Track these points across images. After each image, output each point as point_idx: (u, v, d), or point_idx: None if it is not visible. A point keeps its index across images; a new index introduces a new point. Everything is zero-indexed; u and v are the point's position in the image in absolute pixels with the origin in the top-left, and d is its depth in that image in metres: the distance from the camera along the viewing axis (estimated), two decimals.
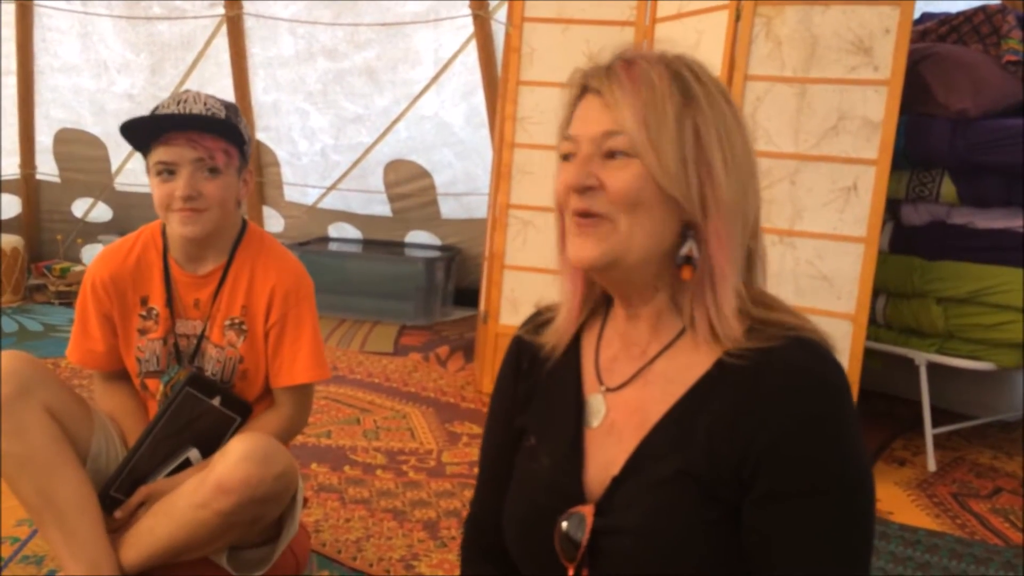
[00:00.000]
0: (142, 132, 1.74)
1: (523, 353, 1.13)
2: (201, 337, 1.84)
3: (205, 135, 1.71)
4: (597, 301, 1.09)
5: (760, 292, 1.00)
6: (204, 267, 1.84)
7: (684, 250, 0.95)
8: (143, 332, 1.85)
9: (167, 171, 1.71)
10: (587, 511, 0.97)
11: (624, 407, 1.01)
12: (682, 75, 0.96)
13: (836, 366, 0.94)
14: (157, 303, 1.84)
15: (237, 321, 1.83)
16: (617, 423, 1.01)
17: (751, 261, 1.00)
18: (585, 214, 0.96)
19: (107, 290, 1.84)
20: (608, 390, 1.03)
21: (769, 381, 0.91)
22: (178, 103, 1.74)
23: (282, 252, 1.90)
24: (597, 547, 0.96)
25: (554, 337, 1.08)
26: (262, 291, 1.83)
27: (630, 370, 1.02)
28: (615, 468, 0.98)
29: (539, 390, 1.10)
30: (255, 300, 1.83)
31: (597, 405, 1.03)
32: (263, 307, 1.82)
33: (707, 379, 0.95)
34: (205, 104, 1.74)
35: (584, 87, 0.99)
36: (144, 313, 1.85)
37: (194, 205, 1.71)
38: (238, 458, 1.61)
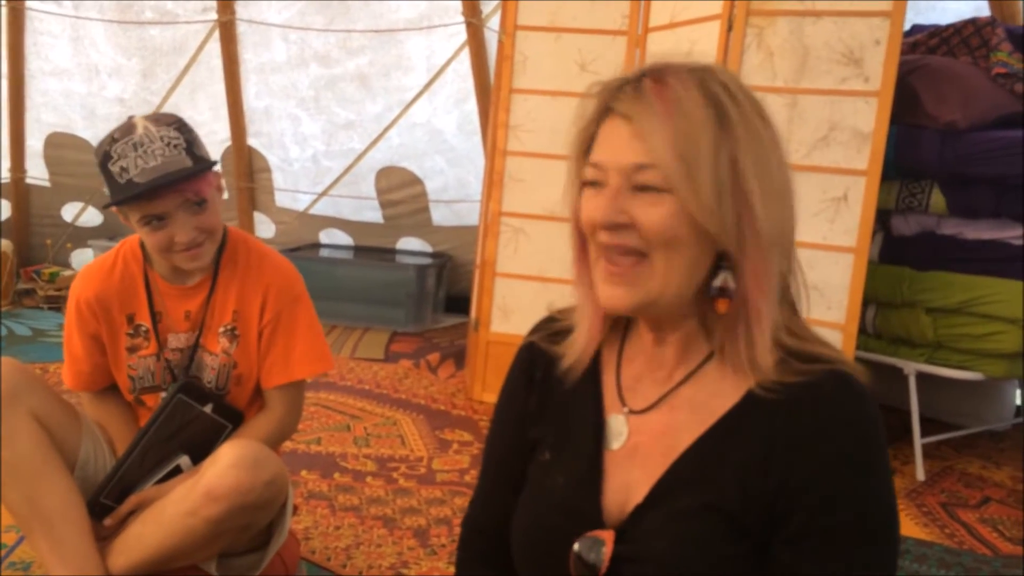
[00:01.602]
0: (125, 200, 1.67)
1: (536, 361, 1.09)
2: (195, 347, 1.83)
3: (184, 184, 1.66)
4: (617, 319, 1.05)
5: (792, 318, 0.96)
6: (191, 278, 1.82)
7: (718, 282, 0.92)
8: (133, 350, 1.83)
9: (156, 219, 1.67)
10: (607, 536, 0.95)
11: (649, 431, 0.98)
12: (718, 97, 0.90)
13: (871, 402, 0.92)
14: (145, 320, 1.82)
15: (230, 327, 1.82)
16: (641, 447, 0.98)
17: (784, 286, 0.95)
18: (618, 250, 0.91)
19: (92, 310, 1.81)
20: (632, 412, 1.00)
21: (806, 417, 0.89)
22: (136, 149, 1.63)
23: (270, 252, 1.89)
24: (616, 574, 0.94)
25: (573, 357, 1.04)
26: (254, 292, 1.82)
27: (655, 393, 0.99)
28: (637, 494, 0.96)
29: (555, 403, 1.06)
30: (247, 303, 1.82)
31: (619, 427, 1.00)
32: (256, 308, 1.81)
33: (738, 410, 0.93)
34: (162, 139, 1.65)
35: (609, 108, 0.93)
36: (131, 331, 1.83)
37: (196, 242, 1.70)
38: (228, 465, 1.60)
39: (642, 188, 0.90)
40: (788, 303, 0.96)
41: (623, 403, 1.01)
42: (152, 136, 1.65)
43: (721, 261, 0.92)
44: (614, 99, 0.93)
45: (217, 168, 1.77)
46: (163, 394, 1.83)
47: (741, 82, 0.94)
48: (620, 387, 1.02)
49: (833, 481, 0.88)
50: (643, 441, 0.98)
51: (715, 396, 0.95)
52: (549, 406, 1.07)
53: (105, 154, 1.66)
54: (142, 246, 1.83)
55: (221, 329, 1.82)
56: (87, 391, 1.91)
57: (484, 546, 1.14)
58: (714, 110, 0.89)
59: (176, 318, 1.83)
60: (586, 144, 0.96)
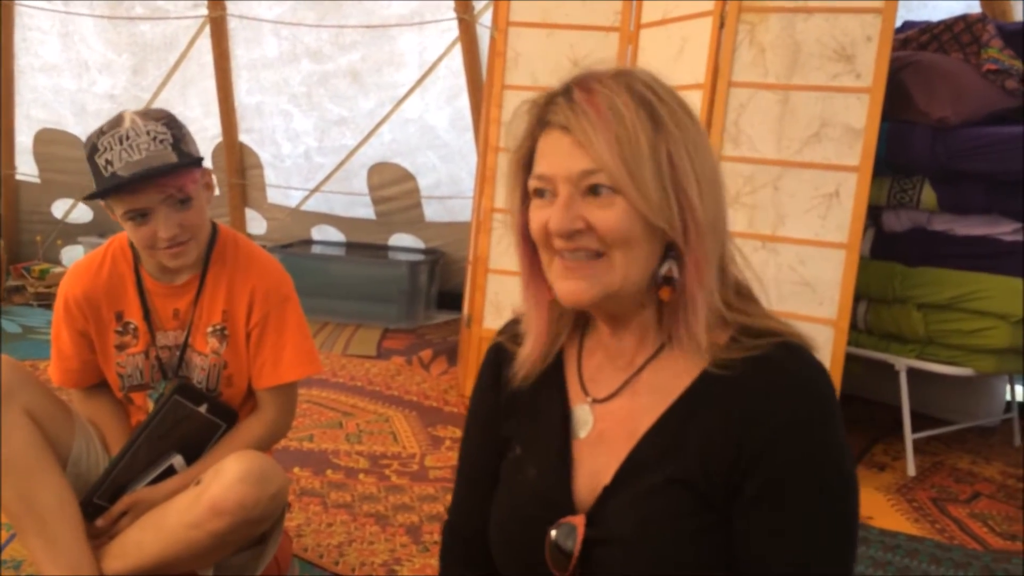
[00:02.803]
0: (106, 193, 1.67)
1: (503, 361, 1.13)
2: (184, 346, 1.82)
3: (168, 179, 1.65)
4: (574, 316, 1.09)
5: (744, 301, 1.00)
6: (180, 277, 1.81)
7: (663, 270, 0.96)
8: (121, 348, 1.82)
9: (140, 215, 1.66)
10: (578, 521, 0.98)
11: (612, 418, 1.02)
12: (645, 97, 0.94)
13: (820, 369, 0.95)
14: (134, 317, 1.81)
15: (219, 327, 1.80)
16: (606, 434, 1.02)
17: (722, 264, 0.99)
18: (575, 252, 0.95)
19: (81, 308, 1.80)
20: (595, 401, 1.04)
21: (756, 387, 0.93)
22: (122, 142, 1.62)
23: (259, 252, 1.88)
24: (588, 557, 0.97)
25: (525, 367, 1.07)
26: (242, 293, 1.80)
27: (617, 381, 1.03)
28: (605, 478, 0.99)
29: (522, 401, 1.10)
30: (235, 303, 1.80)
31: (584, 416, 1.04)
32: (244, 309, 1.80)
33: (695, 388, 0.97)
34: (149, 134, 1.64)
35: (545, 121, 0.97)
36: (120, 329, 1.82)
37: (179, 240, 1.68)
38: (234, 479, 1.59)
39: (592, 191, 0.94)
40: (733, 287, 1.00)
41: (586, 393, 1.05)
42: (139, 130, 1.63)
43: (669, 251, 0.97)
44: (548, 113, 0.97)
45: (207, 165, 1.76)
46: (150, 392, 1.83)
47: (662, 81, 0.98)
48: (582, 379, 1.06)
49: (784, 446, 0.91)
50: (608, 427, 1.02)
51: (674, 377, 0.99)
52: (517, 403, 1.10)
53: (93, 147, 1.66)
54: (132, 245, 1.81)
55: (209, 329, 1.80)
56: (76, 388, 1.90)
57: (466, 551, 1.16)
58: (645, 111, 0.93)
59: (165, 316, 1.82)
60: (526, 159, 1.01)
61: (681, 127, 0.94)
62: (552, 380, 1.08)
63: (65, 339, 1.83)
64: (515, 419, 1.10)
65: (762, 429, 0.91)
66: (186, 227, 1.68)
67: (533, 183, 0.98)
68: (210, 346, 1.80)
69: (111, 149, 1.63)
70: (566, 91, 0.97)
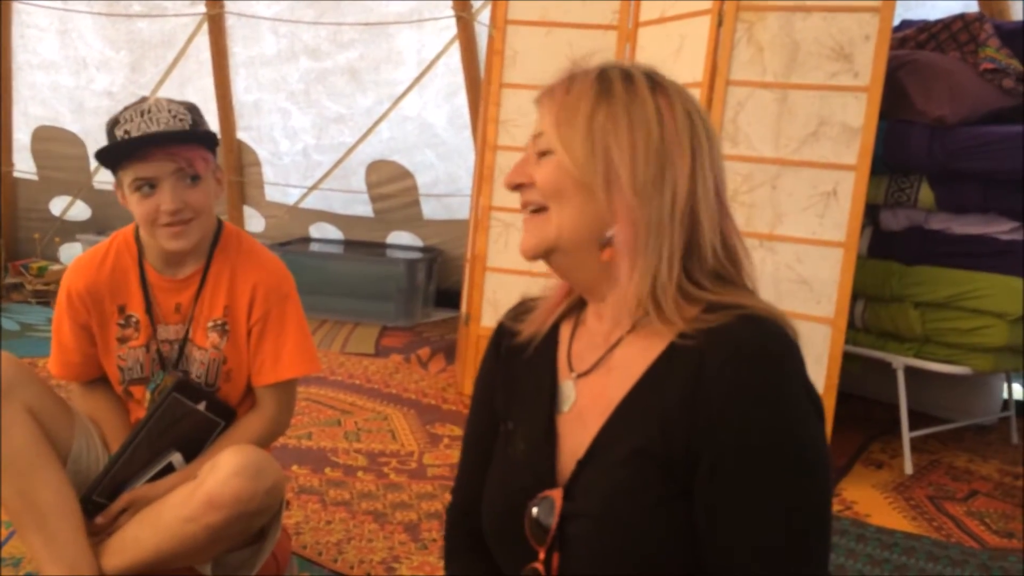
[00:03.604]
0: (117, 153, 1.70)
1: (503, 340, 1.18)
2: (184, 341, 1.82)
3: (182, 147, 1.69)
4: (577, 298, 1.14)
5: (711, 279, 1.01)
6: (183, 271, 1.82)
7: (608, 233, 1.02)
8: (123, 340, 1.83)
9: (147, 185, 1.68)
10: (556, 495, 1.01)
11: (589, 393, 1.05)
12: (608, 76, 1.03)
13: (780, 338, 0.95)
14: (136, 310, 1.82)
15: (220, 322, 1.81)
16: (584, 409, 1.05)
17: (695, 240, 1.00)
18: (526, 207, 1.06)
19: (83, 301, 1.81)
20: (578, 376, 1.08)
21: (712, 357, 0.93)
22: (143, 115, 1.67)
23: (261, 250, 1.89)
24: (565, 531, 0.99)
25: (531, 327, 1.14)
26: (243, 289, 1.81)
27: (595, 357, 1.07)
28: (581, 452, 1.02)
29: (517, 376, 1.14)
30: (237, 299, 1.81)
31: (568, 391, 1.08)
32: (245, 305, 1.80)
33: (660, 362, 0.99)
34: (170, 111, 1.69)
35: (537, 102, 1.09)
36: (122, 322, 1.82)
37: (182, 216, 1.69)
38: (230, 473, 1.59)
39: (539, 154, 1.05)
40: (711, 272, 1.01)
41: (571, 369, 1.09)
42: (161, 107, 1.69)
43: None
44: (538, 96, 1.09)
45: (218, 161, 1.78)
46: (149, 386, 1.83)
47: (654, 70, 1.06)
48: (570, 355, 1.10)
49: (740, 415, 0.91)
50: (586, 403, 1.06)
51: (643, 352, 1.01)
52: (512, 378, 1.15)
53: (114, 120, 1.70)
54: (136, 238, 1.82)
55: (210, 324, 1.81)
56: (76, 382, 1.90)
57: (469, 529, 1.17)
58: (600, 84, 1.03)
59: (167, 310, 1.82)
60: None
61: (633, 99, 1.01)
62: (545, 357, 1.12)
63: (67, 332, 1.84)
64: (509, 394, 1.14)
65: (715, 398, 0.92)
66: (190, 206, 1.70)
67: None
68: (210, 341, 1.81)
69: (131, 120, 1.68)
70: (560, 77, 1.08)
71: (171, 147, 1.67)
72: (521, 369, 1.14)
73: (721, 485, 0.92)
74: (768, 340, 0.94)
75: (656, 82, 1.03)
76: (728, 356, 0.93)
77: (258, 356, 1.82)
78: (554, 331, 1.13)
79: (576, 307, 1.14)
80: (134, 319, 1.82)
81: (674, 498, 0.94)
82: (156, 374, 1.83)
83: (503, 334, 1.18)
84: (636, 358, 1.01)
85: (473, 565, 1.17)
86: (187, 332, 1.82)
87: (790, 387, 0.93)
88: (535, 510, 1.01)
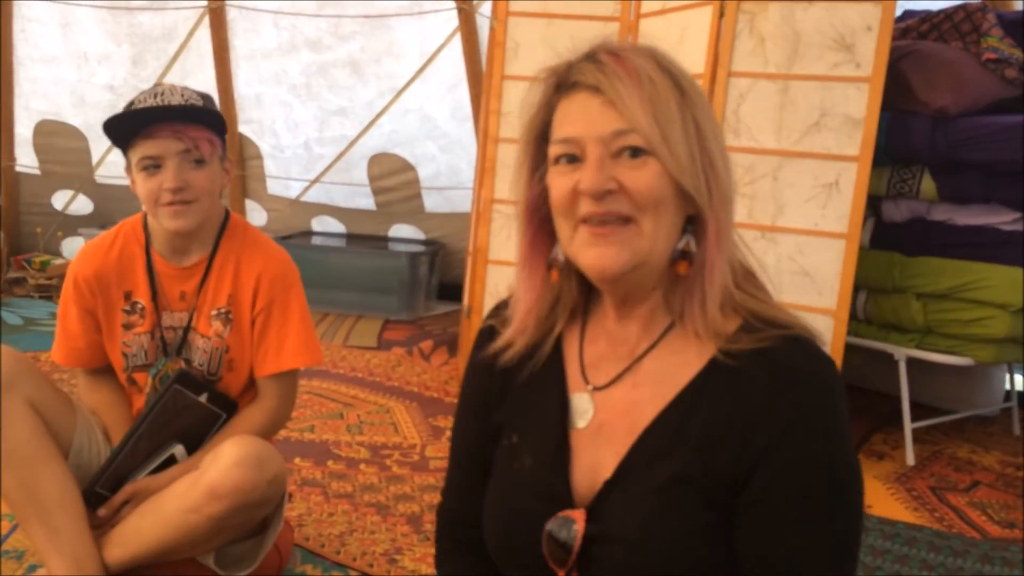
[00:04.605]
0: (124, 128, 1.73)
1: (492, 342, 1.09)
2: (187, 328, 1.83)
3: (189, 126, 1.71)
4: (574, 301, 1.06)
5: (749, 280, 0.98)
6: (189, 259, 1.84)
7: (681, 244, 0.94)
8: (128, 327, 1.84)
9: (153, 165, 1.71)
10: (578, 516, 0.95)
11: (613, 408, 0.99)
12: (670, 70, 0.94)
13: (827, 363, 0.93)
14: (142, 297, 1.84)
15: (224, 311, 1.82)
16: (606, 425, 0.99)
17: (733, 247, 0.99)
18: (605, 218, 0.92)
19: (90, 286, 1.82)
20: (595, 389, 1.01)
21: (762, 382, 0.91)
22: (155, 96, 1.72)
23: (266, 241, 1.91)
24: (588, 553, 0.94)
25: (508, 352, 1.05)
26: (248, 279, 1.82)
27: (617, 369, 1.00)
28: (606, 471, 0.96)
29: (517, 386, 1.07)
30: (241, 289, 1.82)
31: (583, 405, 1.01)
32: (249, 295, 1.82)
33: (699, 380, 0.94)
34: (182, 95, 1.73)
35: (570, 83, 0.95)
36: (128, 308, 1.84)
37: (183, 196, 1.71)
38: (231, 463, 1.60)
39: (624, 153, 0.92)
40: (740, 269, 0.98)
41: (586, 381, 1.02)
42: (175, 91, 1.73)
43: (688, 225, 0.95)
44: (572, 75, 0.95)
45: (226, 154, 1.83)
46: (151, 371, 1.84)
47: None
48: (583, 366, 1.03)
49: (789, 445, 0.89)
50: (608, 419, 0.99)
51: (678, 367, 0.96)
52: (512, 389, 1.07)
53: (129, 103, 1.74)
54: (144, 226, 1.84)
55: (214, 312, 1.82)
56: (80, 368, 1.92)
57: (462, 536, 1.14)
58: (670, 78, 0.93)
59: (172, 297, 1.84)
60: (540, 129, 0.99)
61: (701, 100, 0.95)
62: (550, 367, 1.04)
63: (73, 318, 1.85)
64: (510, 405, 1.07)
65: (766, 427, 0.89)
66: (193, 186, 1.72)
67: (556, 149, 0.95)
68: (214, 329, 1.82)
69: (144, 102, 1.71)
70: (591, 56, 0.95)
71: (177, 125, 1.69)
72: (523, 380, 1.06)
73: (766, 512, 0.90)
74: (818, 366, 0.92)
75: (690, 77, 0.96)
76: (777, 381, 0.90)
77: (261, 346, 1.83)
78: (556, 338, 1.06)
79: (578, 311, 1.06)
80: (139, 306, 1.84)
81: (712, 525, 0.91)
82: (158, 360, 1.84)
83: (491, 337, 1.09)
84: (669, 374, 0.96)
85: (464, 566, 1.13)
86: (191, 320, 1.83)
87: (837, 415, 0.91)
88: (551, 528, 0.96)
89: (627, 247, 0.92)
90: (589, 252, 0.93)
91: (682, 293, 0.96)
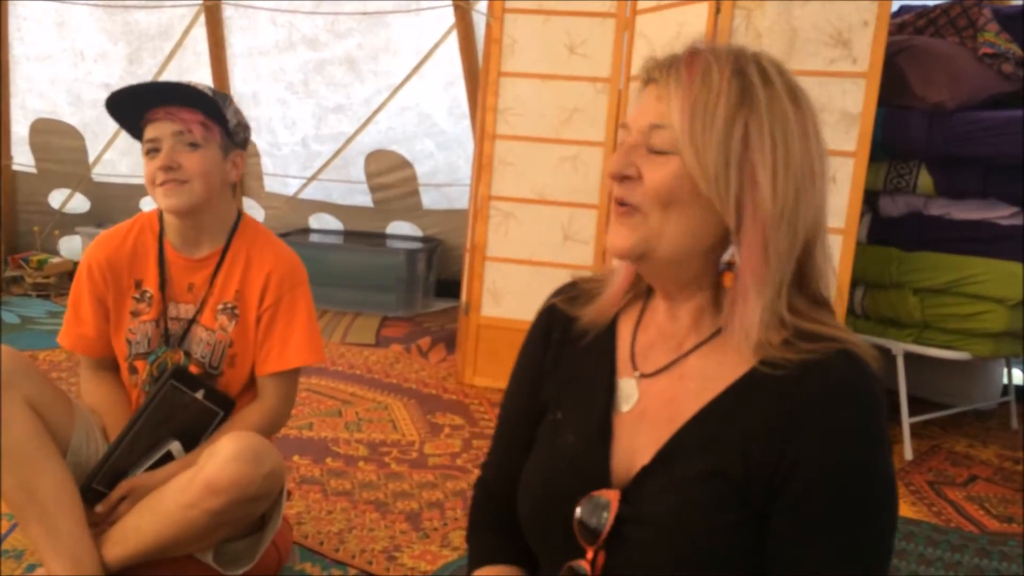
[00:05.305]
0: (129, 112, 1.79)
1: (554, 323, 1.12)
2: (192, 320, 1.85)
3: (183, 108, 1.77)
4: (639, 288, 1.09)
5: (813, 307, 0.97)
6: (200, 251, 1.87)
7: (727, 256, 0.96)
8: (135, 314, 1.87)
9: (153, 148, 1.77)
10: (612, 496, 0.97)
11: (657, 397, 1.01)
12: (746, 73, 0.92)
13: (876, 381, 0.93)
14: (151, 286, 1.87)
15: (230, 305, 1.85)
16: (649, 411, 1.01)
17: (804, 270, 0.97)
18: (620, 202, 0.96)
19: (103, 273, 1.86)
20: (642, 376, 1.03)
21: (810, 391, 0.91)
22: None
23: (277, 241, 1.95)
24: (618, 534, 0.96)
25: (593, 314, 1.08)
26: (258, 276, 1.85)
27: (665, 359, 1.02)
28: (643, 457, 0.98)
29: (568, 364, 1.09)
30: (250, 285, 1.85)
31: (629, 390, 1.03)
32: (258, 291, 1.85)
33: (743, 383, 0.95)
34: (190, 84, 1.80)
35: (648, 77, 0.98)
36: (137, 296, 1.87)
37: (174, 176, 1.76)
38: (228, 458, 1.60)
39: (654, 151, 0.94)
40: (811, 295, 0.97)
41: (635, 367, 1.04)
42: (189, 83, 1.80)
43: (733, 236, 0.95)
44: (651, 70, 0.98)
45: (235, 143, 1.87)
46: (149, 358, 1.85)
47: (784, 68, 0.96)
48: (633, 352, 1.05)
49: (832, 454, 0.89)
50: (651, 406, 1.01)
51: (723, 367, 0.97)
52: (563, 365, 1.10)
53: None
54: (160, 218, 1.89)
55: (220, 306, 1.85)
56: (85, 357, 1.93)
57: (495, 507, 1.16)
58: (739, 83, 0.92)
59: (180, 288, 1.87)
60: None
61: (775, 110, 0.92)
62: (602, 349, 1.07)
63: (85, 304, 1.88)
64: (559, 382, 1.09)
65: (811, 433, 0.89)
66: (184, 168, 1.77)
67: (619, 134, 1.01)
68: (218, 323, 1.85)
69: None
70: (676, 52, 0.97)
71: (171, 108, 1.76)
72: (574, 357, 1.08)
73: (800, 519, 0.90)
74: (868, 383, 0.92)
75: (792, 87, 0.95)
76: (826, 393, 0.90)
77: (265, 343, 1.85)
78: (612, 322, 1.08)
79: (638, 298, 1.09)
80: (148, 294, 1.87)
81: (744, 522, 0.92)
82: (158, 347, 1.86)
83: (553, 318, 1.12)
84: (714, 371, 0.97)
85: (494, 541, 1.15)
86: (196, 312, 1.85)
87: (880, 431, 0.92)
88: (584, 506, 0.98)
89: (635, 232, 0.95)
90: (610, 233, 0.98)
91: (727, 303, 0.97)
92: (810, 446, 0.90)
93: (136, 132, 1.82)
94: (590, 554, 0.97)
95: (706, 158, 0.91)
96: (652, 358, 1.03)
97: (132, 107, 1.79)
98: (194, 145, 1.77)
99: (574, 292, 1.13)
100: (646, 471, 0.97)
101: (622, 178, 0.95)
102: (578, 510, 0.98)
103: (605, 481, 0.99)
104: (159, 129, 1.76)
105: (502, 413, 1.19)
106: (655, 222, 0.94)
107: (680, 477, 0.94)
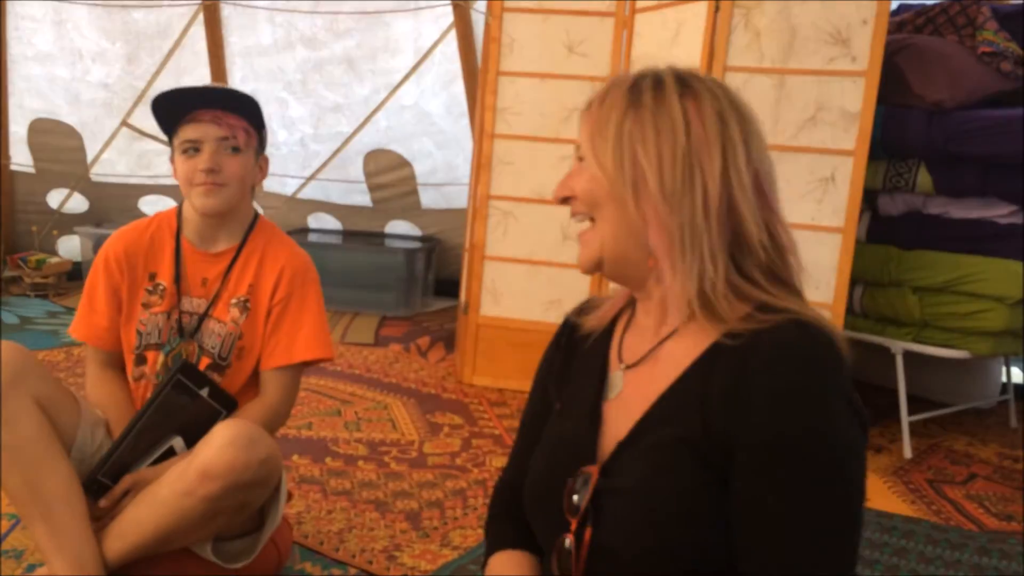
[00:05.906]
0: (170, 111, 1.83)
1: (565, 331, 1.26)
2: (205, 314, 1.87)
3: (229, 114, 1.82)
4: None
5: (764, 276, 1.03)
6: (216, 247, 1.90)
7: (646, 241, 1.06)
8: (147, 306, 1.89)
9: (192, 148, 1.81)
10: (593, 471, 1.05)
11: (635, 383, 1.11)
12: (639, 85, 1.05)
13: (828, 346, 0.97)
14: (165, 279, 1.89)
15: (243, 299, 1.88)
16: (628, 397, 1.10)
17: (741, 240, 1.03)
18: (574, 216, 1.11)
19: (120, 264, 1.88)
20: (627, 367, 1.13)
21: (758, 357, 0.96)
22: (205, 87, 1.87)
23: (291, 240, 2.00)
24: (600, 506, 1.03)
25: (595, 321, 1.21)
26: (271, 271, 1.89)
27: (643, 351, 1.12)
28: (622, 435, 1.07)
29: (572, 365, 1.22)
30: (263, 279, 1.89)
31: (616, 381, 1.14)
32: (270, 286, 1.88)
33: (705, 357, 1.02)
34: (232, 88, 1.86)
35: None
36: (151, 288, 1.89)
37: (215, 179, 1.80)
38: (222, 444, 1.61)
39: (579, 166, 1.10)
40: (764, 269, 1.04)
41: (621, 360, 1.15)
42: (223, 86, 1.85)
43: None
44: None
45: (263, 148, 1.95)
46: (164, 348, 1.88)
47: (692, 73, 1.07)
48: (621, 348, 1.16)
49: (777, 413, 0.94)
50: (631, 392, 1.11)
51: (690, 347, 1.05)
52: (568, 366, 1.23)
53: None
54: (178, 215, 1.93)
55: (233, 300, 1.88)
56: (95, 349, 1.94)
57: (512, 500, 1.23)
58: (632, 94, 1.05)
59: (194, 283, 1.89)
60: None
61: (660, 107, 1.03)
62: (600, 349, 1.18)
63: (100, 295, 1.90)
64: (564, 380, 1.22)
65: (756, 394, 0.94)
66: (225, 171, 1.82)
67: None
68: (230, 316, 1.88)
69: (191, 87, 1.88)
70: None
71: (219, 112, 1.81)
72: (578, 359, 1.21)
73: (752, 479, 0.95)
74: (815, 345, 0.96)
75: (687, 86, 1.05)
76: (774, 356, 0.96)
77: (273, 337, 1.88)
78: (610, 326, 1.20)
79: (631, 304, 1.19)
80: (161, 287, 1.89)
81: (709, 484, 0.97)
82: (172, 339, 1.87)
83: (566, 327, 1.26)
84: (683, 352, 1.05)
85: (510, 530, 1.23)
86: (209, 305, 1.88)
87: (830, 392, 0.95)
88: (573, 483, 1.06)
89: (588, 246, 1.10)
90: None
91: (652, 282, 1.09)
92: (757, 408, 0.94)
93: (168, 128, 1.86)
94: (574, 525, 1.04)
95: (603, 159, 1.05)
96: (634, 351, 1.13)
97: (174, 105, 1.83)
98: (236, 150, 1.83)
99: (587, 306, 1.26)
100: (622, 445, 1.06)
101: (563, 200, 1.10)
102: (572, 483, 1.07)
103: (592, 460, 1.08)
104: (202, 131, 1.80)
105: (522, 419, 1.31)
106: (598, 228, 1.08)
107: (649, 446, 1.02)
